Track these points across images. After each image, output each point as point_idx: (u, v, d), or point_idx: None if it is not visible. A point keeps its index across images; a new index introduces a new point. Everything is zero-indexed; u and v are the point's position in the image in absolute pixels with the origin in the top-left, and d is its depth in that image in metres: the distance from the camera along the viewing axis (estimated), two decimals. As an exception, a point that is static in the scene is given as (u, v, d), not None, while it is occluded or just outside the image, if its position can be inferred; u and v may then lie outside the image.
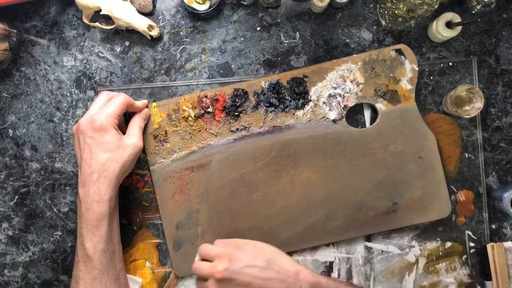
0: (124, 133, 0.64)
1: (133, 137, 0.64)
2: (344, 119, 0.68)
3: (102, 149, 0.60)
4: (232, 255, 0.58)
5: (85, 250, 0.59)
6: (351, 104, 0.68)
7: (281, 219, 0.68)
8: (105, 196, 0.60)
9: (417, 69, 0.67)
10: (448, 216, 0.69)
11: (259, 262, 0.57)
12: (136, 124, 0.66)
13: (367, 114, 0.70)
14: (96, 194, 0.60)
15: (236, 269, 0.56)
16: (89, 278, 0.59)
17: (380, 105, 0.68)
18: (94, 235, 0.59)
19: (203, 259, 0.61)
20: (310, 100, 0.68)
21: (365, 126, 0.70)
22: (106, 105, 0.63)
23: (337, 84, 0.68)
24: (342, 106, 0.68)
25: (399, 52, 0.68)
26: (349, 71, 0.68)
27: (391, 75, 0.68)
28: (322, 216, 0.68)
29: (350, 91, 0.68)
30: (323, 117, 0.68)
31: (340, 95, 0.68)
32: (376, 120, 0.68)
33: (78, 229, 0.61)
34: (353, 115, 0.70)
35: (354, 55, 0.68)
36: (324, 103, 0.68)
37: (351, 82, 0.68)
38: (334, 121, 0.68)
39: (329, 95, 0.68)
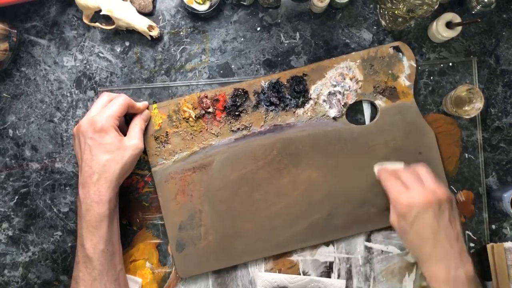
0: (124, 134, 0.64)
1: (134, 139, 0.64)
2: (344, 116, 0.68)
3: (103, 150, 0.60)
4: (437, 207, 0.57)
5: (85, 251, 0.59)
6: (351, 101, 0.68)
7: (283, 218, 0.68)
8: (105, 197, 0.60)
9: (414, 65, 0.68)
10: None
11: (454, 229, 0.58)
12: (137, 126, 0.66)
13: (367, 111, 0.70)
14: (96, 195, 0.60)
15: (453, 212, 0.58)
16: (89, 279, 0.59)
17: (380, 102, 0.68)
18: (94, 236, 0.59)
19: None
20: (310, 98, 0.68)
21: (365, 123, 0.70)
22: (107, 106, 0.63)
23: (337, 82, 0.68)
24: (342, 103, 0.68)
25: (397, 49, 0.68)
26: (348, 68, 0.68)
27: (390, 72, 0.68)
28: (324, 214, 0.68)
29: (349, 88, 0.68)
30: (324, 115, 0.68)
31: (340, 92, 0.68)
32: (376, 117, 0.68)
33: (78, 230, 0.61)
34: (353, 112, 0.70)
35: (353, 53, 0.68)
36: (324, 101, 0.68)
37: (351, 79, 0.68)
38: (334, 118, 0.68)
39: (329, 93, 0.68)
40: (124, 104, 0.63)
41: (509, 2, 0.70)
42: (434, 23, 0.67)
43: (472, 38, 0.70)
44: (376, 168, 0.67)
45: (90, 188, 0.60)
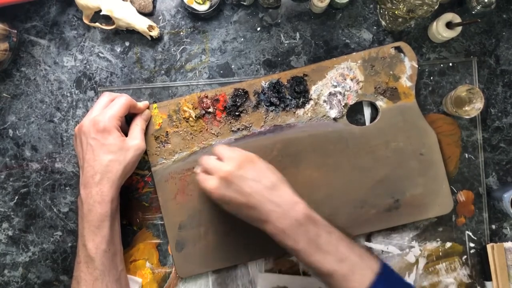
0: (124, 134, 0.64)
1: (136, 139, 0.64)
2: (345, 117, 0.68)
3: (105, 150, 0.60)
4: (242, 163, 0.58)
5: (87, 251, 0.59)
6: (351, 102, 0.68)
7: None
8: (107, 197, 0.60)
9: (416, 66, 0.68)
10: (448, 216, 0.69)
11: (265, 180, 0.57)
12: (138, 126, 0.66)
13: (367, 112, 0.70)
14: (98, 195, 0.60)
15: (241, 177, 0.56)
16: (90, 279, 0.59)
17: (381, 103, 0.68)
18: (96, 236, 0.59)
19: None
20: (311, 99, 0.68)
21: (365, 124, 0.70)
22: (109, 106, 0.63)
23: (337, 82, 0.68)
24: (343, 104, 0.68)
25: (399, 49, 0.68)
26: (349, 69, 0.68)
27: (391, 72, 0.68)
28: (325, 214, 0.67)
29: (350, 89, 0.68)
30: (324, 115, 0.68)
31: (340, 93, 0.68)
32: (377, 117, 0.68)
33: (80, 230, 0.61)
34: (353, 113, 0.70)
35: (354, 53, 0.68)
36: (324, 101, 0.68)
37: (351, 80, 0.68)
38: (335, 119, 0.68)
39: (330, 94, 0.68)
40: (126, 104, 0.63)
41: (509, 2, 0.70)
42: (434, 23, 0.67)
43: (472, 38, 0.70)
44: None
45: (92, 188, 0.60)
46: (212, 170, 0.58)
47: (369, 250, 0.68)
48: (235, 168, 0.57)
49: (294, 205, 0.56)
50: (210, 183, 0.57)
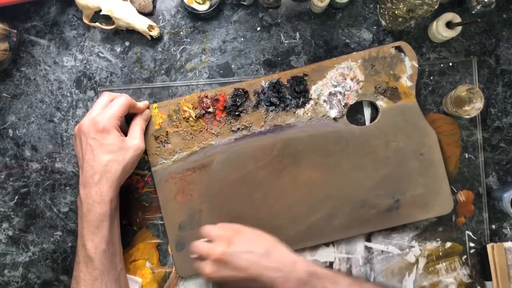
0: (124, 134, 0.64)
1: (135, 139, 0.64)
2: (345, 117, 0.68)
3: (105, 150, 0.60)
4: (231, 239, 0.58)
5: (86, 251, 0.59)
6: (351, 102, 0.68)
7: (283, 218, 0.68)
8: (106, 197, 0.60)
9: (417, 66, 0.68)
10: (448, 216, 0.69)
11: (257, 249, 0.57)
12: (137, 126, 0.66)
13: (367, 112, 0.70)
14: (98, 195, 0.60)
15: (234, 253, 0.57)
16: (89, 279, 0.59)
17: (381, 103, 0.68)
18: (96, 236, 0.59)
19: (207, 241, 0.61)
20: (311, 99, 0.68)
21: (365, 124, 0.70)
22: (109, 106, 0.63)
23: (337, 82, 0.68)
24: (343, 104, 0.68)
25: (399, 49, 0.68)
26: (349, 69, 0.68)
27: (391, 72, 0.68)
28: (325, 214, 0.68)
29: (350, 89, 0.68)
30: (324, 115, 0.68)
31: (340, 93, 0.68)
32: (377, 117, 0.68)
33: (79, 230, 0.61)
34: (353, 113, 0.70)
35: (354, 53, 0.68)
36: (324, 101, 0.68)
37: (351, 80, 0.68)
38: (335, 119, 0.68)
39: (330, 93, 0.68)
40: (126, 104, 0.63)
41: (509, 2, 0.70)
42: (434, 23, 0.67)
43: (472, 38, 0.70)
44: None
45: (91, 188, 0.60)
46: (205, 254, 0.58)
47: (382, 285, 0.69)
48: (225, 247, 0.57)
49: (294, 264, 0.56)
50: (207, 268, 0.58)
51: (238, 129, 0.68)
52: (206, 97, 0.68)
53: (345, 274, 0.58)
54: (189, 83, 0.71)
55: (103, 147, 0.60)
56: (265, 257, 0.57)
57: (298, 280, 0.55)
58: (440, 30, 0.66)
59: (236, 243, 0.58)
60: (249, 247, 0.58)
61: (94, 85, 0.71)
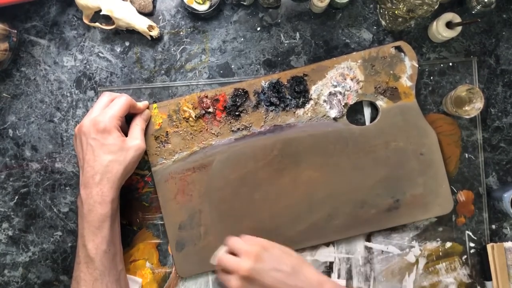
0: (124, 134, 0.64)
1: (136, 139, 0.64)
2: (345, 117, 0.68)
3: (105, 151, 0.60)
4: (259, 255, 0.58)
5: (87, 251, 0.59)
6: (351, 102, 0.68)
7: (283, 218, 0.68)
8: (107, 197, 0.60)
9: (416, 65, 0.68)
10: (448, 216, 0.69)
11: (284, 267, 0.57)
12: (138, 126, 0.66)
13: (367, 112, 0.70)
14: (99, 196, 0.59)
15: (262, 271, 0.56)
16: (90, 279, 0.59)
17: (381, 103, 0.68)
18: (96, 236, 0.59)
19: (230, 252, 0.61)
20: (311, 99, 0.68)
21: (365, 124, 0.70)
22: (109, 106, 0.63)
23: (337, 82, 0.68)
24: (343, 104, 0.68)
25: (399, 49, 0.68)
26: (349, 69, 0.68)
27: (391, 72, 0.68)
28: (325, 214, 0.68)
29: (350, 89, 0.68)
30: (324, 115, 0.68)
31: (340, 93, 0.68)
32: (377, 117, 0.68)
33: (80, 230, 0.61)
34: (353, 113, 0.70)
35: (354, 53, 0.68)
36: (324, 101, 0.68)
37: (351, 80, 0.68)
38: (335, 119, 0.68)
39: (330, 93, 0.68)
40: (126, 104, 0.63)
41: (509, 2, 0.70)
42: (434, 23, 0.67)
43: (472, 38, 0.70)
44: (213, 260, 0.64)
45: (92, 188, 0.60)
46: (232, 269, 0.58)
47: None
48: (253, 263, 0.57)
49: (321, 285, 0.57)
50: (233, 284, 0.57)
51: (238, 129, 0.68)
52: (206, 97, 0.68)
53: None
54: (189, 83, 0.71)
55: (104, 147, 0.60)
56: (292, 276, 0.57)
57: None
58: (440, 30, 0.66)
59: (263, 260, 0.57)
60: (277, 265, 0.57)
61: (94, 85, 0.71)
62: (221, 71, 0.71)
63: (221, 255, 0.61)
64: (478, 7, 0.67)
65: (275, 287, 0.56)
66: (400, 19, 0.67)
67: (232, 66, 0.71)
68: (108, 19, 0.69)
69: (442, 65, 0.70)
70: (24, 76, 0.71)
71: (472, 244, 0.70)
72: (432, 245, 0.70)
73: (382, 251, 0.70)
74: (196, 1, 0.68)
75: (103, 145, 0.60)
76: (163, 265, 0.70)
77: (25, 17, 0.71)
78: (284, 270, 0.57)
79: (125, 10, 0.68)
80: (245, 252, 0.59)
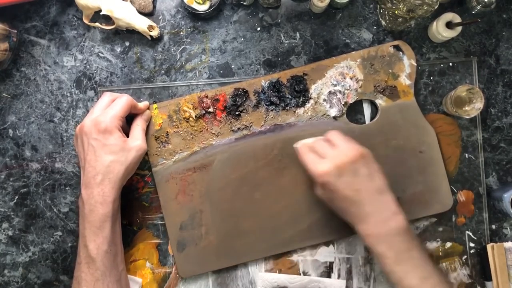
0: (125, 134, 0.64)
1: (137, 140, 0.64)
2: (345, 116, 0.68)
3: (107, 151, 0.60)
4: (357, 158, 0.57)
5: (88, 252, 0.59)
6: (351, 100, 0.68)
7: (284, 217, 0.68)
8: (109, 198, 0.60)
9: (415, 64, 0.68)
10: (448, 216, 0.69)
11: (376, 182, 0.57)
12: (138, 126, 0.66)
13: (367, 110, 0.70)
14: (100, 196, 0.59)
15: (356, 170, 0.57)
16: (91, 280, 0.59)
17: (380, 101, 0.68)
18: (98, 236, 0.59)
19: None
20: (311, 98, 0.68)
21: (365, 123, 0.70)
22: (110, 106, 0.63)
23: (337, 81, 0.68)
24: (343, 102, 0.68)
25: (397, 48, 0.68)
26: (348, 68, 0.68)
27: (390, 71, 0.68)
28: (325, 213, 0.68)
29: (350, 87, 0.68)
30: (324, 114, 0.68)
31: (340, 92, 0.68)
32: (376, 116, 0.68)
33: (81, 230, 0.61)
34: (353, 112, 0.70)
35: (353, 52, 0.68)
36: (324, 100, 0.68)
37: (351, 79, 0.68)
38: (335, 118, 0.68)
39: (329, 92, 0.68)
40: (127, 104, 0.63)
41: (509, 2, 0.70)
42: (434, 23, 0.67)
43: (472, 38, 0.70)
44: (296, 146, 0.65)
45: (93, 189, 0.60)
46: (325, 155, 0.59)
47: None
48: (350, 160, 0.57)
49: (396, 215, 0.56)
50: (322, 166, 0.58)
51: (239, 128, 0.68)
52: (206, 97, 0.68)
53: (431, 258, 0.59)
54: (189, 83, 0.71)
55: (106, 147, 0.60)
56: (377, 193, 0.57)
57: (392, 229, 0.56)
58: (440, 30, 0.66)
59: (359, 164, 0.57)
60: (370, 176, 0.57)
61: (94, 85, 0.71)
62: (221, 71, 0.71)
63: (316, 139, 0.62)
64: (478, 7, 0.67)
65: (360, 193, 0.56)
66: (400, 19, 0.67)
67: (232, 66, 0.71)
68: (108, 19, 0.69)
69: (442, 65, 0.70)
70: (24, 76, 0.71)
71: (472, 244, 0.70)
72: (432, 245, 0.70)
73: (382, 251, 0.70)
74: (196, 1, 0.68)
75: (105, 145, 0.60)
76: (163, 265, 0.70)
77: (25, 17, 0.71)
78: (374, 183, 0.57)
79: (125, 10, 0.68)
80: (345, 148, 0.59)
